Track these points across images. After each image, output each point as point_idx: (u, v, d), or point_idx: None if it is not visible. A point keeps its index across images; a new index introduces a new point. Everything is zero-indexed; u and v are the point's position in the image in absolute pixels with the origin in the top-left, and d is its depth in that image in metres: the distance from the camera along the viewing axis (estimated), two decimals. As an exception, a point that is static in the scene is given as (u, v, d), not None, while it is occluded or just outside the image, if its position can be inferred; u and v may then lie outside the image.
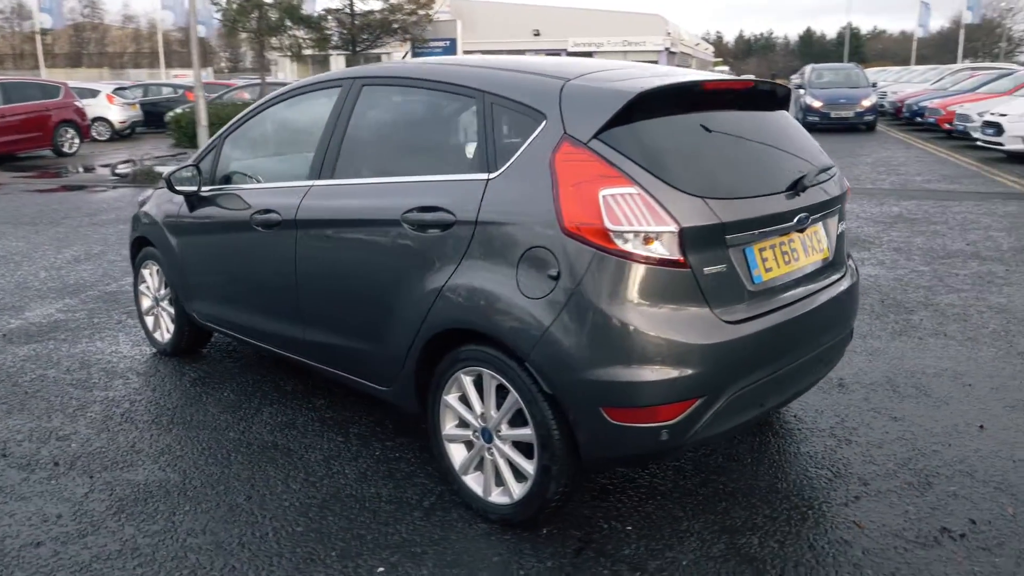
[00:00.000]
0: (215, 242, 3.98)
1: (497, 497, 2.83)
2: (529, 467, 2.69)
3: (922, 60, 45.45)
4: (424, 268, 2.88)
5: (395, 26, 14.20)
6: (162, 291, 4.63)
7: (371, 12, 14.01)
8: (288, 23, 13.47)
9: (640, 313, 2.46)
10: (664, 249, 2.45)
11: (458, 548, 2.72)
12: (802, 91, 21.21)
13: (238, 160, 4.08)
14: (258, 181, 3.90)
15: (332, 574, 2.58)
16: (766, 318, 2.66)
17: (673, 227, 2.45)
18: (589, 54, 50.99)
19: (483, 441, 2.83)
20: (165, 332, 4.68)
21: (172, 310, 4.54)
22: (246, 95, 21.09)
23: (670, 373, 2.46)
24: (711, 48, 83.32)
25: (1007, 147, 12.94)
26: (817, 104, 19.98)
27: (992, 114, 13.51)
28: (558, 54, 49.70)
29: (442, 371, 2.89)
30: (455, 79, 3.00)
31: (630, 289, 2.46)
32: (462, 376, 2.83)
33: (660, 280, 2.46)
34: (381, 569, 2.61)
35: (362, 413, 3.83)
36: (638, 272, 2.45)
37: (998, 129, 13.12)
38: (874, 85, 21.34)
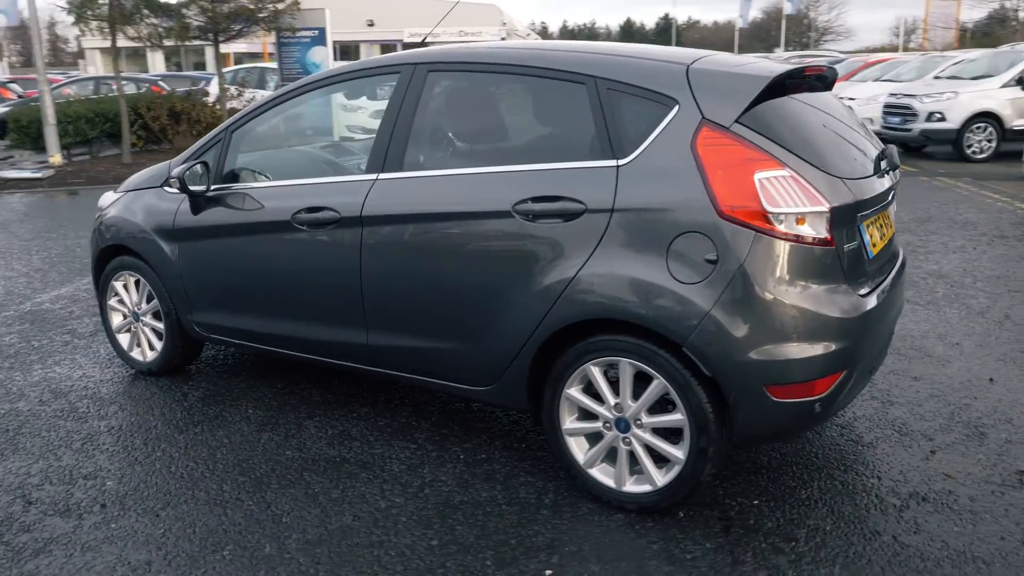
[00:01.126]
0: (235, 246, 3.63)
1: (633, 486, 2.81)
2: (678, 452, 2.69)
3: (740, 50, 48.88)
4: (543, 260, 2.79)
5: (263, 15, 13.45)
6: (143, 305, 4.17)
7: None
8: (145, 11, 12.39)
9: (798, 291, 2.53)
10: (815, 229, 2.53)
11: (610, 541, 2.68)
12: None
13: (252, 155, 3.74)
14: (281, 177, 3.60)
15: (501, 584, 2.48)
16: (878, 290, 2.82)
17: (825, 207, 2.54)
18: (425, 45, 50.75)
19: (617, 431, 2.80)
20: (147, 350, 4.22)
21: (161, 324, 4.10)
22: (69, 91, 19.21)
23: (827, 347, 2.55)
24: (539, 38, 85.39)
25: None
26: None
27: (895, 95, 14.70)
28: (393, 45, 49.07)
29: (565, 364, 2.82)
30: (556, 64, 2.91)
31: (788, 269, 2.52)
32: (591, 367, 2.78)
33: (813, 258, 2.55)
34: (549, 572, 2.52)
35: (415, 418, 3.66)
36: (794, 252, 2.52)
37: (905, 116, 14.29)
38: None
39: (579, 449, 2.91)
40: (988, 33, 43.87)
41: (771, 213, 2.49)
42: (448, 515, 2.85)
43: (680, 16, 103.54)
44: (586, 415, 2.89)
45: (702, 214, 2.54)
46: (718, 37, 64.39)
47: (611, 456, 2.86)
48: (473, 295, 2.97)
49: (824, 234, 2.55)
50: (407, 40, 49.87)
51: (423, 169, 3.12)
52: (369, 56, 47.56)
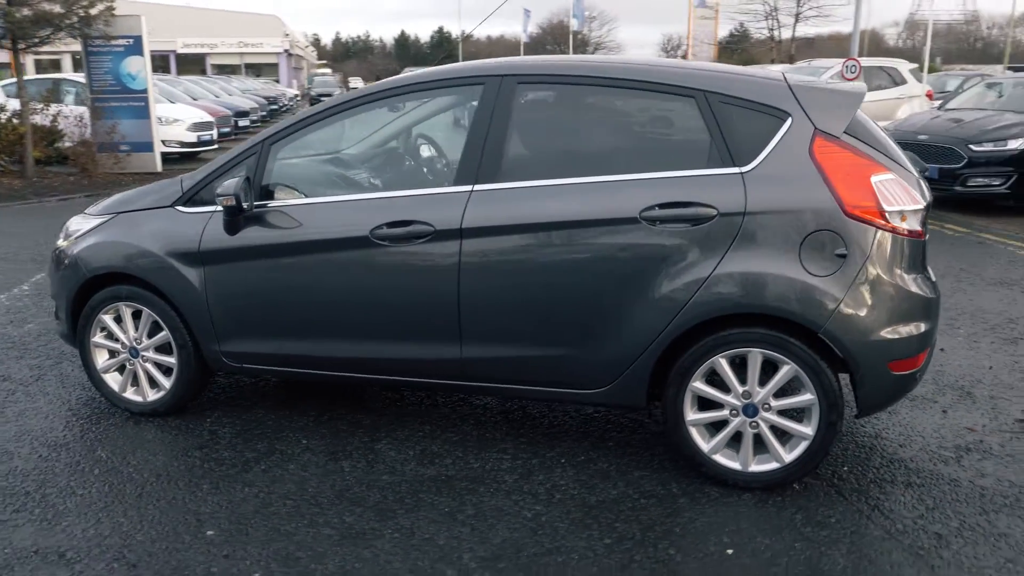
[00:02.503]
0: (291, 266, 3.41)
1: (759, 466, 3.06)
2: (807, 429, 2.98)
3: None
4: (671, 263, 2.96)
5: (70, 20, 12.10)
6: (144, 339, 3.76)
7: (40, 2, 11.74)
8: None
9: (908, 277, 2.92)
10: (911, 224, 2.94)
11: (759, 516, 2.90)
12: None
13: (298, 168, 3.54)
14: (335, 193, 3.45)
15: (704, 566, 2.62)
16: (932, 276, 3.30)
17: (921, 204, 2.96)
18: (202, 57, 47.89)
19: (744, 416, 3.03)
20: (147, 389, 3.81)
21: (169, 359, 3.72)
22: None
23: (927, 325, 2.97)
24: (314, 50, 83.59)
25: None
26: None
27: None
28: (166, 56, 45.75)
29: (693, 359, 3.01)
30: (662, 78, 3.10)
31: (900, 258, 2.91)
32: (720, 359, 3.00)
33: (912, 249, 2.95)
34: (731, 551, 2.70)
35: (481, 429, 3.64)
36: (901, 244, 2.91)
37: None
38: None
39: (702, 438, 3.11)
40: (737, 49, 49.63)
41: (887, 211, 2.87)
42: (598, 515, 2.93)
43: (455, 30, 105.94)
44: (706, 405, 3.09)
45: (830, 214, 2.86)
46: (494, 50, 66.74)
47: (733, 441, 3.09)
48: (593, 300, 3.07)
49: (917, 228, 2.96)
50: (180, 51, 46.84)
51: (527, 179, 3.16)
52: (175, 68, 43.81)
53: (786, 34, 44.06)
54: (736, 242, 2.91)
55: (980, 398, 3.95)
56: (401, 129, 3.67)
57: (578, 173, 3.13)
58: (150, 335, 3.76)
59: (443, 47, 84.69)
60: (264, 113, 24.97)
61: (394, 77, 3.56)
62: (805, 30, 44.41)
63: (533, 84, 3.24)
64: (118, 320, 3.79)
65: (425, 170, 3.52)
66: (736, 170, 2.95)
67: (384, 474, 3.25)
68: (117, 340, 3.82)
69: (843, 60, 13.01)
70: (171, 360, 3.74)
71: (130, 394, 3.87)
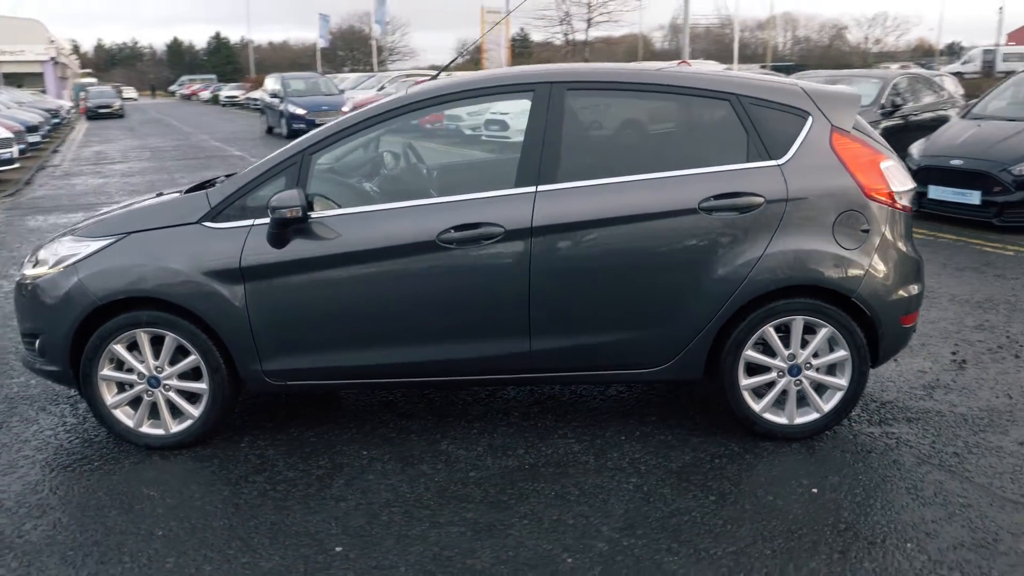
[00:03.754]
0: (347, 275, 3.38)
1: (802, 418, 3.51)
2: (841, 381, 3.47)
3: (305, 68, 49.56)
4: (727, 246, 3.33)
5: None
6: (166, 368, 3.53)
7: None
8: None
9: (908, 246, 3.50)
10: (907, 201, 3.52)
11: (824, 459, 3.35)
12: (277, 100, 22.04)
13: (340, 178, 3.49)
14: (385, 200, 3.46)
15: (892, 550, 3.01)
16: None
17: (913, 185, 3.55)
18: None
19: (790, 377, 3.47)
20: (170, 420, 3.58)
21: (197, 384, 3.53)
22: None
23: (921, 284, 3.57)
24: (77, 58, 75.93)
25: (513, 140, 16.16)
26: (301, 112, 21.07)
27: (494, 113, 16.65)
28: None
29: (749, 329, 3.39)
30: (700, 84, 3.45)
31: (903, 231, 3.47)
32: (769, 328, 3.41)
33: (907, 222, 3.53)
34: (815, 490, 3.12)
35: (526, 419, 3.81)
36: (902, 218, 3.48)
37: (503, 125, 16.28)
38: (341, 92, 23.40)
39: (753, 400, 3.51)
40: (525, 52, 51.73)
41: (895, 192, 3.42)
42: (689, 478, 3.23)
43: (233, 35, 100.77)
44: (755, 370, 3.50)
45: (855, 197, 3.36)
46: (282, 56, 64.50)
47: (782, 399, 3.52)
48: (659, 285, 3.37)
49: (909, 204, 3.56)
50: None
51: (585, 179, 3.38)
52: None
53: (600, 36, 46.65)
54: (781, 225, 3.34)
55: (915, 346, 4.71)
56: (451, 134, 3.74)
57: (631, 171, 3.40)
58: (172, 362, 3.54)
59: (222, 53, 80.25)
60: (49, 128, 22.56)
61: (435, 83, 3.62)
62: (596, 33, 47.37)
63: (582, 91, 3.47)
64: (131, 349, 3.53)
65: (478, 173, 3.62)
66: (774, 163, 3.38)
67: (471, 471, 3.34)
68: (131, 371, 3.55)
69: (678, 62, 14.21)
70: (200, 386, 3.54)
71: (148, 428, 3.61)
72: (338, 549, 2.82)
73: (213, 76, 68.90)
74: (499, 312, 3.40)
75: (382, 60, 52.41)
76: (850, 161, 3.39)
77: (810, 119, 3.43)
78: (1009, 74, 11.39)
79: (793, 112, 3.43)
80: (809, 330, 3.44)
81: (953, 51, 56.14)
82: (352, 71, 47.48)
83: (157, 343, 3.52)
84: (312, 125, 21.15)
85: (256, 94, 38.28)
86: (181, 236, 3.47)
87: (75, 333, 3.51)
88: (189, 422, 3.59)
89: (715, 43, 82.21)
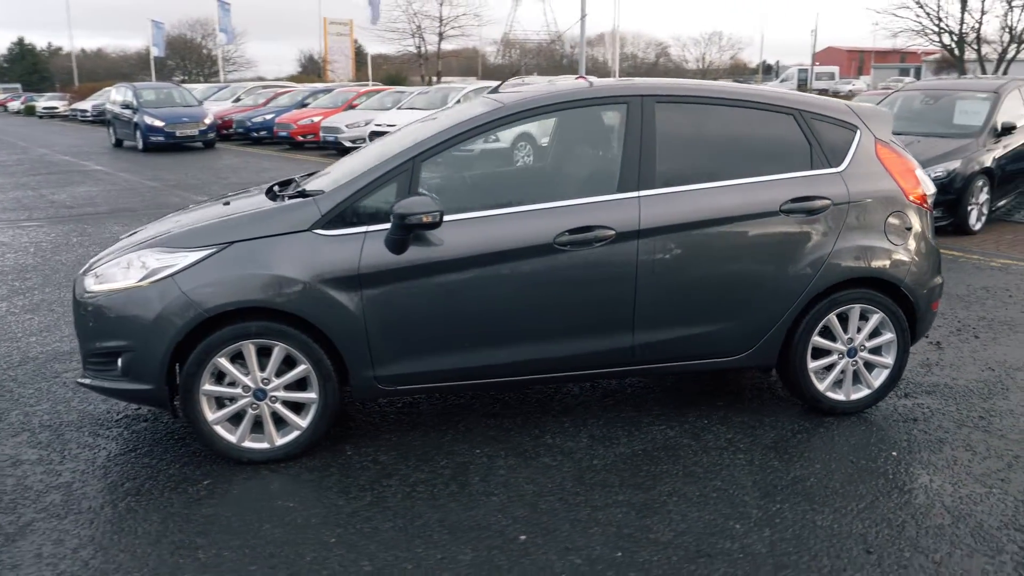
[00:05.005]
0: (467, 279, 3.48)
1: (856, 394, 4.00)
2: (887, 360, 3.99)
3: (127, 77, 46.40)
4: (803, 243, 3.76)
5: None
6: (274, 379, 3.47)
7: None
8: None
9: (934, 242, 4.09)
10: (930, 202, 4.13)
11: (875, 432, 3.84)
12: (129, 112, 20.66)
13: (446, 183, 3.57)
14: (495, 206, 3.59)
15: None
16: None
17: (935, 188, 4.16)
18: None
19: (848, 359, 3.94)
20: (273, 432, 3.52)
21: (305, 395, 3.50)
22: None
23: (942, 274, 4.19)
24: None
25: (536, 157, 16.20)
26: (159, 124, 19.89)
27: (379, 125, 16.59)
28: None
29: (816, 318, 3.84)
30: (768, 99, 3.88)
31: (930, 228, 4.06)
32: (832, 317, 3.87)
33: (933, 221, 4.13)
34: (895, 453, 3.59)
35: (616, 411, 4.06)
36: (930, 217, 4.07)
37: (531, 141, 16.20)
38: (200, 103, 22.28)
39: (818, 381, 3.96)
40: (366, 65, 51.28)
41: (928, 195, 4.01)
42: (783, 452, 3.61)
43: (39, 42, 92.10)
44: (818, 354, 3.95)
45: (899, 199, 3.90)
46: (99, 65, 59.85)
47: (840, 379, 3.99)
48: (746, 281, 3.74)
49: (930, 205, 4.16)
50: None
51: (680, 184, 3.69)
52: None
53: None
54: (845, 223, 3.82)
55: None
56: (549, 142, 3.90)
57: (717, 177, 3.76)
58: (279, 373, 3.47)
59: (27, 61, 73.03)
60: None
61: (533, 94, 3.79)
62: (447, 47, 47.84)
63: (670, 103, 3.78)
64: (235, 362, 3.43)
65: (579, 179, 3.81)
66: (835, 170, 3.86)
67: (592, 460, 3.55)
68: (234, 384, 3.45)
69: (576, 76, 14.83)
70: (309, 396, 3.51)
71: (252, 443, 3.52)
72: (522, 538, 2.94)
73: (17, 85, 62.81)
74: (607, 309, 3.64)
75: (216, 71, 50.04)
76: (892, 168, 3.94)
77: (859, 132, 3.94)
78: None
79: (844, 126, 3.94)
80: (862, 316, 3.94)
81: (768, 69, 61.80)
82: (183, 81, 44.96)
83: (262, 354, 3.45)
84: (171, 138, 20.06)
85: (83, 105, 35.54)
86: (292, 244, 3.43)
87: (174, 350, 3.37)
88: (296, 433, 3.54)
89: (546, 59, 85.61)
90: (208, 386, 3.43)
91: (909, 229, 3.94)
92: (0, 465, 3.54)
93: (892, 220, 3.90)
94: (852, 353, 3.96)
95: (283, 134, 19.99)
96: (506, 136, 4.07)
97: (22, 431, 3.90)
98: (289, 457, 3.54)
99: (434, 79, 40.56)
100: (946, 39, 31.94)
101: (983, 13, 30.83)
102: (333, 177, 3.95)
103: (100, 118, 30.61)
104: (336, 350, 3.48)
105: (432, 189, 3.62)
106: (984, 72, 29.57)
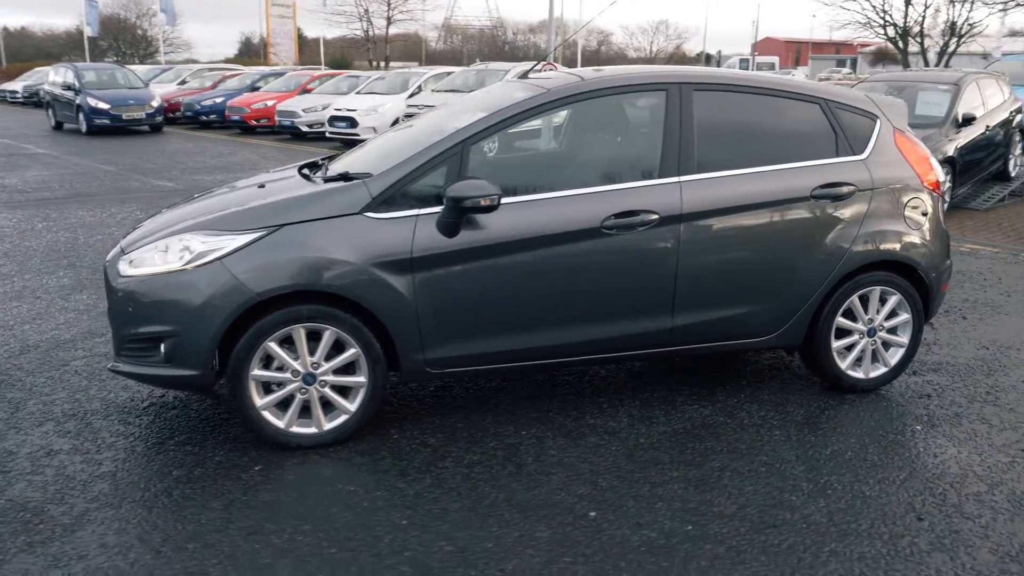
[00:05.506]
0: (516, 261, 3.51)
1: (874, 372, 4.17)
2: (903, 339, 4.17)
3: (56, 58, 44.41)
4: (830, 228, 3.90)
5: None
6: (323, 363, 3.44)
7: None
8: None
9: (944, 226, 4.29)
10: (941, 188, 4.33)
11: (896, 407, 4.02)
12: (72, 93, 19.84)
13: (493, 167, 3.58)
14: (541, 189, 3.62)
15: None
16: None
17: (944, 176, 4.35)
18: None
19: (868, 338, 4.11)
20: (322, 417, 3.49)
21: (354, 379, 3.49)
22: None
23: (951, 257, 4.39)
24: None
25: (363, 136, 15.97)
26: (104, 106, 19.16)
27: (339, 109, 16.33)
28: None
29: (840, 301, 3.99)
30: (796, 88, 4.00)
31: (942, 213, 4.26)
32: (855, 299, 4.03)
33: (943, 206, 4.33)
34: (920, 427, 3.78)
35: (644, 391, 4.15)
36: (941, 203, 4.27)
37: (351, 122, 16.03)
38: (146, 85, 21.52)
39: (841, 360, 4.12)
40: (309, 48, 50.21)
41: (940, 182, 4.20)
42: (816, 429, 3.76)
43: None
44: (840, 334, 4.10)
45: (916, 185, 4.08)
46: (25, 44, 57.06)
47: (861, 356, 4.15)
48: (779, 263, 3.87)
49: (941, 191, 4.36)
50: None
51: (716, 170, 3.78)
52: None
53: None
54: (869, 209, 3.97)
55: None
56: (599, 129, 3.95)
57: (751, 163, 3.86)
58: (327, 357, 3.45)
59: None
60: None
61: (579, 80, 3.82)
62: (395, 31, 47.21)
63: (706, 90, 3.87)
64: (284, 345, 3.40)
65: (621, 164, 3.85)
66: (858, 157, 4.01)
67: (640, 438, 3.63)
68: (283, 369, 3.41)
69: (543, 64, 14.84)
70: (358, 380, 3.50)
71: (300, 428, 3.49)
72: (592, 514, 3.01)
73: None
74: (650, 292, 3.72)
75: (152, 52, 48.26)
76: (909, 156, 4.12)
77: (878, 121, 4.10)
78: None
79: (866, 115, 4.09)
80: (880, 298, 4.12)
81: (708, 58, 62.76)
82: (117, 63, 43.31)
83: (310, 339, 3.42)
84: (117, 121, 19.35)
85: (12, 86, 33.91)
86: (344, 227, 3.40)
87: (224, 333, 3.31)
88: (344, 418, 3.52)
89: (487, 44, 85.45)
90: (257, 371, 3.39)
91: (925, 214, 4.12)
92: (34, 455, 3.44)
93: (910, 205, 4.07)
94: (872, 333, 4.13)
95: (235, 118, 19.48)
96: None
97: (45, 420, 3.78)
98: (337, 442, 3.52)
99: (382, 64, 40.05)
100: (891, 32, 33.08)
101: (926, 7, 32.05)
102: (366, 159, 3.94)
103: (33, 100, 29.34)
104: (384, 333, 3.48)
105: (479, 173, 3.62)
106: (927, 65, 30.72)
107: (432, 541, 2.83)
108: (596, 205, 3.61)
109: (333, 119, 16.38)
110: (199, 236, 3.43)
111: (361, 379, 3.50)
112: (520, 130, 3.88)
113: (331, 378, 3.48)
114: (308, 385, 3.46)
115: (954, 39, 30.66)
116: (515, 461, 3.42)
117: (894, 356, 4.20)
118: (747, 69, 51.40)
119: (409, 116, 15.03)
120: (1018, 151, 10.69)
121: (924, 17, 31.86)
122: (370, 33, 45.80)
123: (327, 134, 16.67)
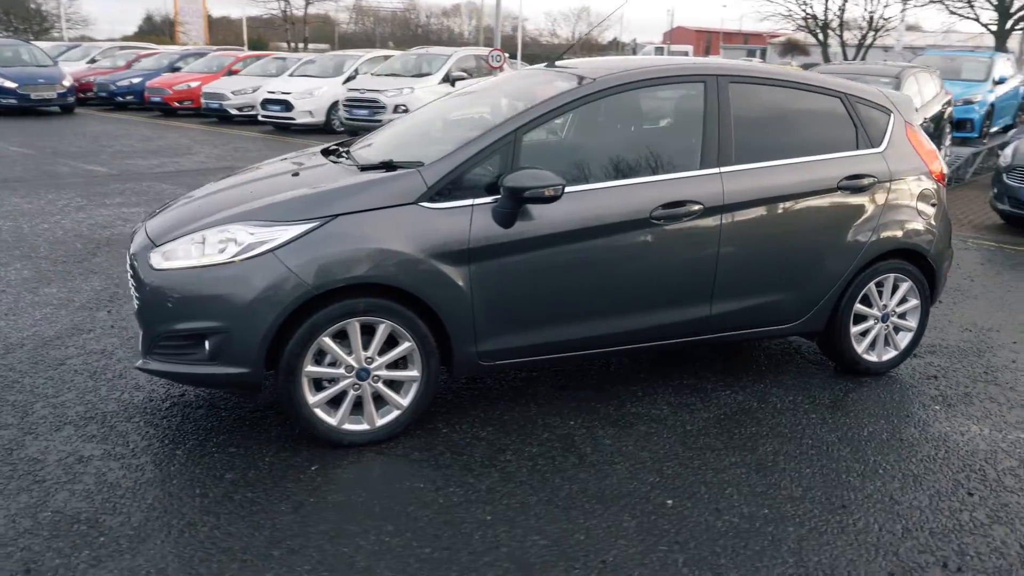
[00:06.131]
0: (570, 252, 3.50)
1: (885, 356, 4.35)
2: (911, 323, 4.37)
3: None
4: (853, 217, 4.05)
5: None
6: (377, 358, 3.35)
7: None
8: None
9: (947, 215, 4.51)
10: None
11: (909, 388, 4.23)
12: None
13: (554, 155, 3.59)
14: (589, 179, 3.60)
15: None
16: None
17: (947, 168, 4.58)
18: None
19: (882, 323, 4.30)
20: (374, 413, 3.41)
21: (407, 373, 3.41)
22: None
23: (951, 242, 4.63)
24: None
25: (299, 120, 15.50)
26: (11, 85, 17.95)
27: (272, 92, 15.76)
28: None
29: (859, 287, 4.15)
30: (819, 83, 4.12)
31: (945, 202, 4.47)
32: (872, 286, 4.20)
33: (945, 196, 4.55)
34: (936, 409, 3.98)
35: (673, 379, 4.21)
36: (944, 192, 4.48)
37: (286, 105, 15.50)
38: (55, 63, 20.21)
39: (857, 345, 4.28)
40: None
41: (944, 172, 4.41)
42: (848, 411, 3.91)
43: None
44: (861, 318, 4.27)
45: (927, 177, 4.28)
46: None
47: (873, 337, 4.33)
48: (808, 252, 3.99)
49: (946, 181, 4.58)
50: None
51: (752, 161, 3.85)
52: None
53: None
54: (886, 201, 4.14)
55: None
56: (644, 118, 3.96)
57: (782, 155, 3.96)
58: (381, 351, 3.36)
59: None
60: None
61: (622, 69, 3.81)
62: (313, 11, 45.77)
63: (740, 83, 3.93)
64: (337, 340, 3.28)
65: (664, 155, 3.86)
66: (876, 150, 4.17)
67: (686, 425, 3.69)
68: (335, 364, 3.30)
69: (491, 49, 14.73)
70: (411, 374, 3.42)
71: (351, 425, 3.39)
72: (669, 502, 3.04)
73: None
74: (692, 281, 3.77)
75: (47, 28, 45.24)
76: (918, 148, 4.31)
77: (892, 115, 4.27)
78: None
79: (881, 109, 4.25)
80: (893, 284, 4.30)
81: (619, 46, 63.73)
82: (9, 38, 40.49)
83: (367, 332, 3.32)
84: (25, 100, 18.15)
85: None
86: (399, 217, 3.31)
87: (278, 329, 3.17)
88: (396, 413, 3.44)
89: (400, 27, 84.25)
90: (310, 367, 3.26)
91: (934, 204, 4.33)
92: (66, 463, 3.21)
93: (921, 195, 4.27)
94: (885, 318, 4.32)
95: (156, 99, 18.57)
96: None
97: (63, 424, 3.53)
98: (390, 438, 3.44)
99: (300, 46, 38.80)
100: (811, 24, 34.53)
101: (845, 1, 33.52)
102: (383, 146, 3.89)
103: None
104: (439, 326, 3.41)
105: (528, 162, 3.58)
106: (846, 58, 32.13)
107: (523, 536, 2.81)
108: (645, 195, 3.63)
109: (266, 102, 15.84)
110: (245, 227, 3.26)
111: (414, 373, 3.42)
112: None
113: (384, 373, 3.39)
114: (361, 381, 3.35)
115: (871, 32, 32.27)
116: (575, 452, 3.41)
117: (903, 340, 4.41)
118: (662, 55, 52.30)
119: (350, 100, 14.68)
120: (947, 142, 11.34)
121: (843, 10, 33.43)
122: (287, 13, 44.34)
123: (259, 117, 16.12)
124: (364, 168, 3.62)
